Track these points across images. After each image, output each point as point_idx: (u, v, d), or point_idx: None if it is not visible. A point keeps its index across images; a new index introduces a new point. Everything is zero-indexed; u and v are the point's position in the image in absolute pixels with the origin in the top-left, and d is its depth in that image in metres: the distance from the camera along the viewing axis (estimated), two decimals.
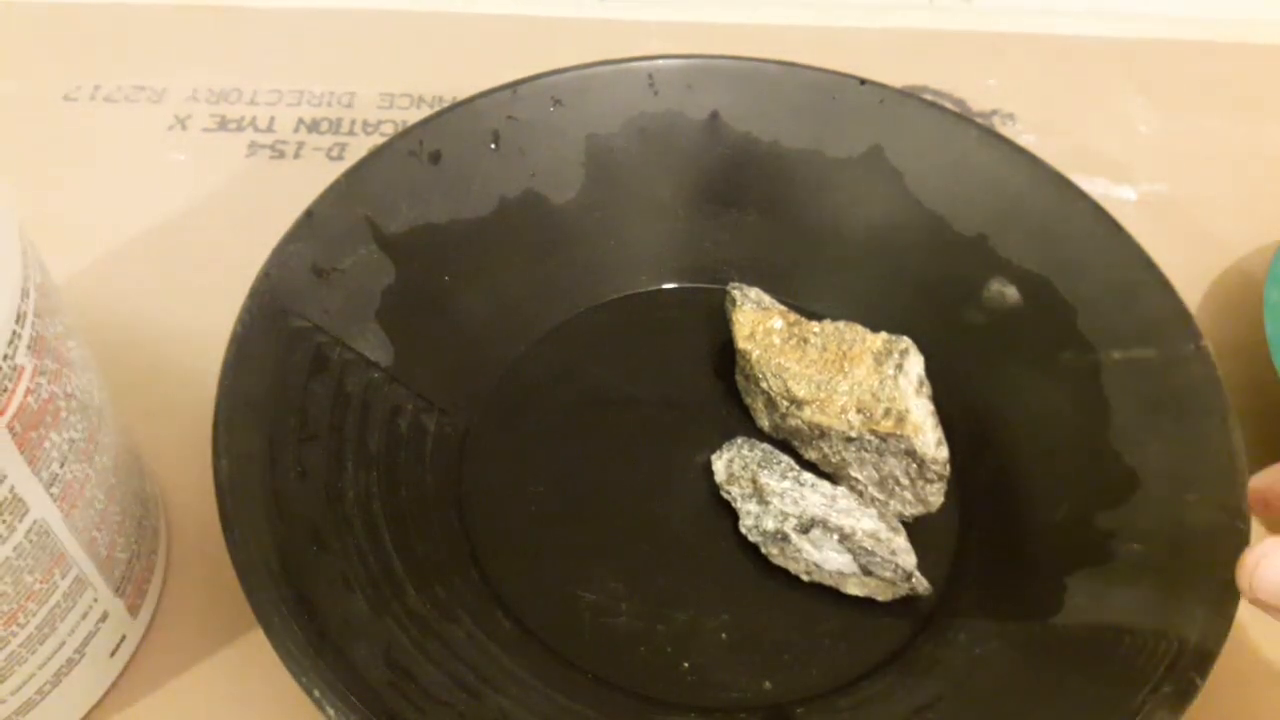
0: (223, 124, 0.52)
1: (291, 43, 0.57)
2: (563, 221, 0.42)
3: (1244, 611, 0.29)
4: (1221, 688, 0.29)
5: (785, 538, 0.35)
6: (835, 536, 0.35)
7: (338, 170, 0.38)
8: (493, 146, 0.41)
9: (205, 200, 0.49)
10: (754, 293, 0.40)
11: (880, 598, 0.35)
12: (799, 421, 0.37)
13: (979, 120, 0.51)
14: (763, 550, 0.36)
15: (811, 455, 0.38)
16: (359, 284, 0.37)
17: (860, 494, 0.37)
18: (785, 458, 0.37)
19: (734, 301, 0.39)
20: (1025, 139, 0.53)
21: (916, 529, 0.36)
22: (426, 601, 0.32)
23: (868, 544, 0.34)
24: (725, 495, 0.37)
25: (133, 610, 0.34)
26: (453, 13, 0.59)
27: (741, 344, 0.38)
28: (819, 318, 0.39)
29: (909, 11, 0.61)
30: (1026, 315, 0.39)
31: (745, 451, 0.37)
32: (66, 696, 0.32)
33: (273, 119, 0.53)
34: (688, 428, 0.40)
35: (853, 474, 0.37)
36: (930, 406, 0.37)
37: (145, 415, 0.38)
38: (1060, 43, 0.60)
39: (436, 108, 0.46)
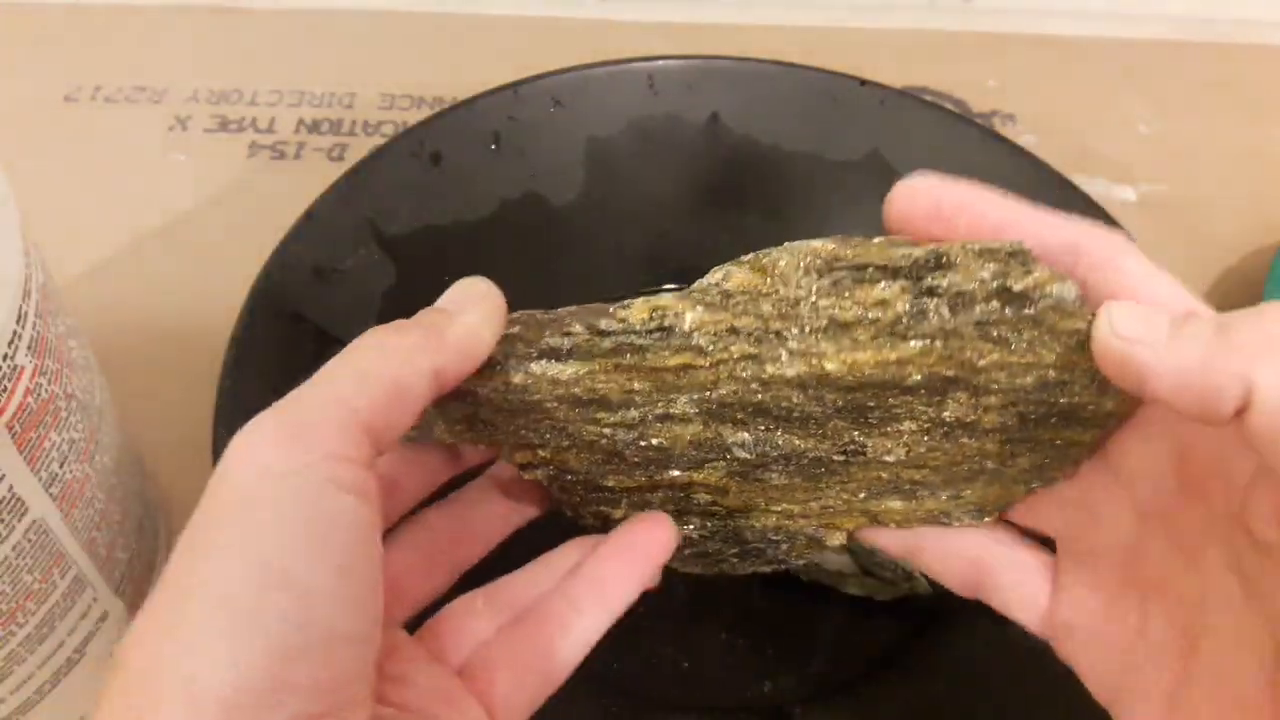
0: (223, 125, 0.52)
1: (291, 43, 0.57)
2: (563, 222, 0.42)
3: None
4: None
5: None
6: None
7: (338, 171, 0.38)
8: (493, 147, 0.41)
9: (206, 201, 0.49)
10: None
11: (880, 598, 0.35)
12: None
13: (979, 120, 0.51)
14: None
15: None
16: (359, 284, 0.37)
17: None
18: None
19: None
20: (1025, 139, 0.53)
21: None
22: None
23: (868, 544, 0.34)
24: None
25: (133, 610, 0.34)
26: (453, 13, 0.59)
27: None
28: None
29: (909, 11, 0.61)
30: None
31: None
32: (66, 696, 0.32)
33: (273, 120, 0.53)
34: None
35: None
36: None
37: (145, 415, 0.38)
38: (1060, 43, 0.60)
39: (437, 108, 0.46)
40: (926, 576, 0.35)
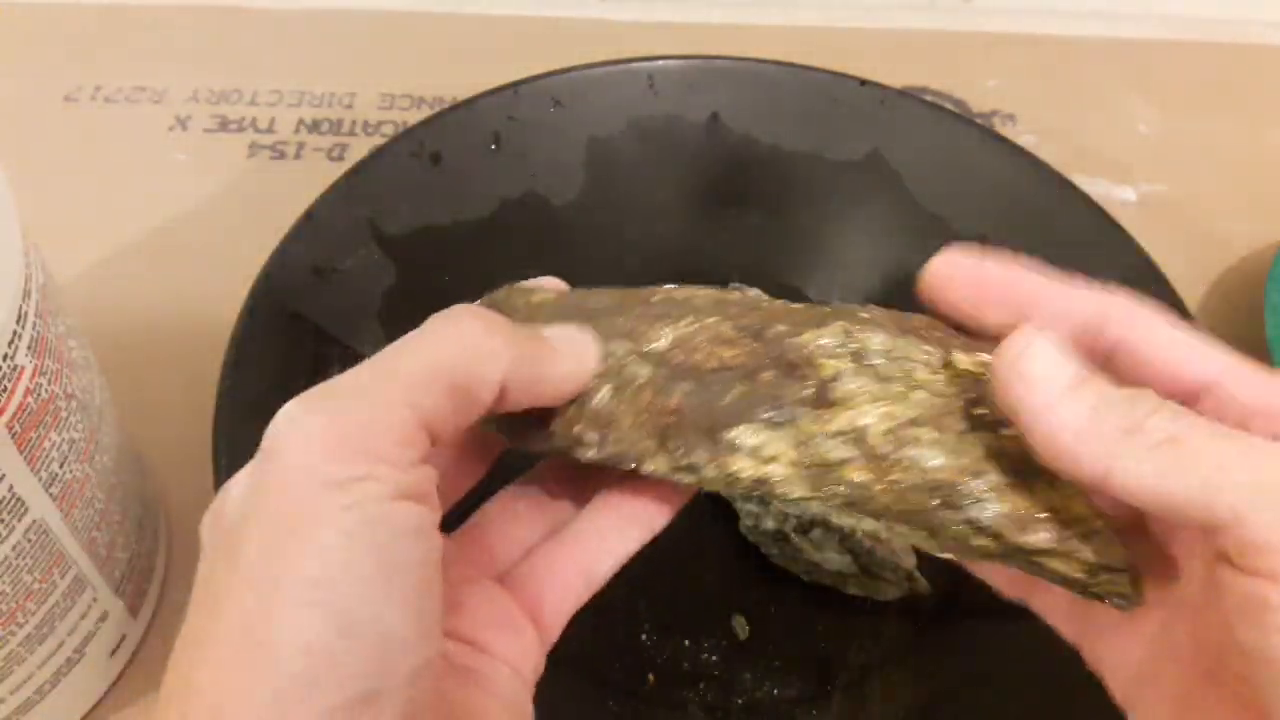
0: (223, 125, 0.52)
1: (291, 43, 0.57)
2: (563, 222, 0.42)
3: None
4: None
5: (785, 538, 0.35)
6: (835, 537, 0.35)
7: (338, 171, 0.38)
8: (493, 147, 0.41)
9: (205, 201, 0.49)
10: (754, 293, 0.40)
11: (880, 598, 0.35)
12: None
13: (979, 120, 0.51)
14: (763, 550, 0.36)
15: None
16: (359, 284, 0.37)
17: None
18: None
19: None
20: (1025, 139, 0.53)
21: None
22: None
23: (868, 544, 0.34)
24: (725, 495, 0.37)
25: (133, 610, 0.34)
26: (453, 13, 0.59)
27: None
28: None
29: (909, 11, 0.61)
30: None
31: None
32: (66, 696, 0.32)
33: (273, 120, 0.53)
34: None
35: None
36: None
37: (145, 415, 0.38)
38: (1060, 43, 0.60)
39: (437, 108, 0.46)
40: (926, 576, 0.35)
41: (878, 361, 0.22)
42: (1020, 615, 0.34)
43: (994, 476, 0.21)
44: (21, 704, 0.30)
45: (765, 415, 0.22)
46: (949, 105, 0.54)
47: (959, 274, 0.23)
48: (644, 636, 0.35)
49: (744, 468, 0.22)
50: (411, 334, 0.20)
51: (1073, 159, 0.52)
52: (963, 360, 0.22)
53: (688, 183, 0.43)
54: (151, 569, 0.35)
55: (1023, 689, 0.32)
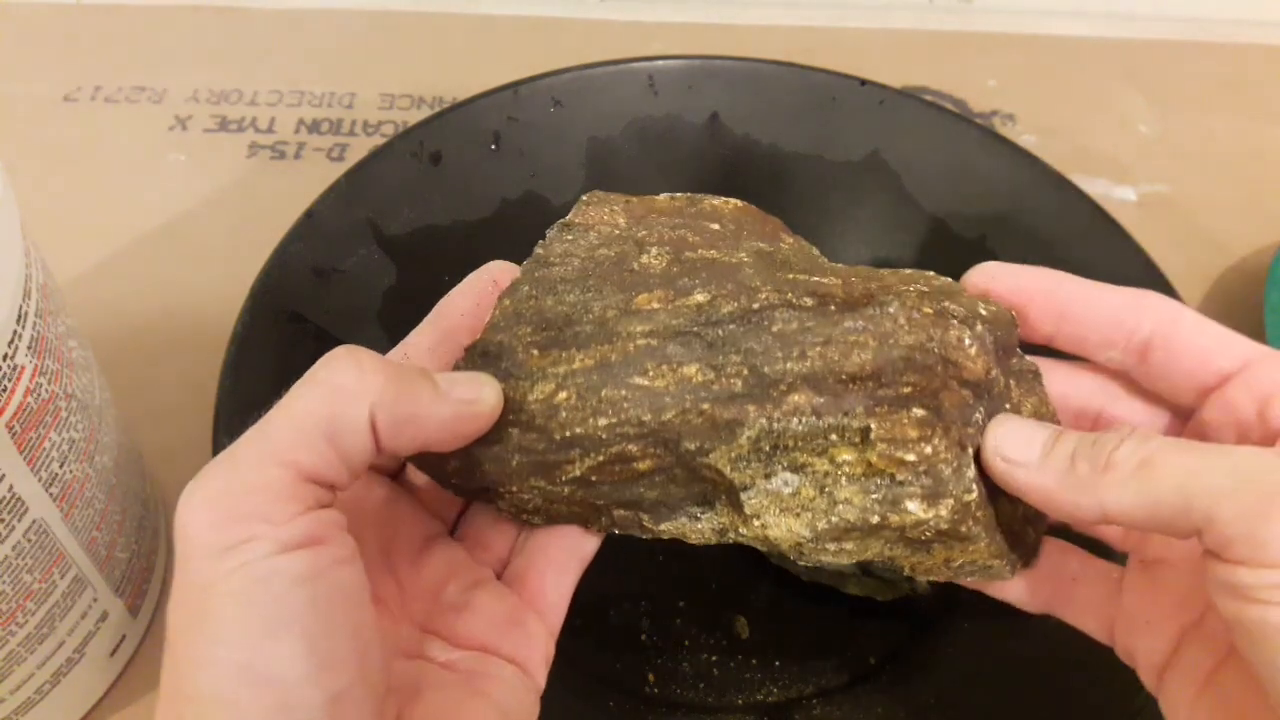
0: (223, 125, 0.52)
1: (291, 43, 0.57)
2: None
3: None
4: None
5: None
6: None
7: (338, 171, 0.38)
8: (493, 147, 0.41)
9: (205, 201, 0.49)
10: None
11: (880, 598, 0.35)
12: None
13: (979, 120, 0.51)
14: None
15: None
16: (359, 284, 0.37)
17: None
18: None
19: None
20: (1025, 139, 0.53)
21: None
22: None
23: None
24: None
25: (133, 610, 0.34)
26: (453, 13, 0.59)
27: None
28: None
29: (909, 11, 0.61)
30: None
31: None
32: (66, 696, 0.32)
33: (273, 120, 0.53)
34: None
35: None
36: None
37: (145, 415, 0.38)
38: (1060, 43, 0.60)
39: (437, 108, 0.46)
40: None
41: (790, 457, 0.23)
42: (1018, 615, 0.34)
43: (894, 554, 0.24)
44: (21, 704, 0.30)
45: (685, 513, 0.25)
46: (949, 105, 0.54)
47: (997, 284, 0.25)
48: (644, 636, 0.35)
49: (674, 538, 0.26)
50: (297, 383, 0.21)
51: (1073, 159, 0.52)
52: (879, 461, 0.22)
53: (688, 183, 0.43)
54: (151, 569, 0.35)
55: (1022, 688, 0.32)
